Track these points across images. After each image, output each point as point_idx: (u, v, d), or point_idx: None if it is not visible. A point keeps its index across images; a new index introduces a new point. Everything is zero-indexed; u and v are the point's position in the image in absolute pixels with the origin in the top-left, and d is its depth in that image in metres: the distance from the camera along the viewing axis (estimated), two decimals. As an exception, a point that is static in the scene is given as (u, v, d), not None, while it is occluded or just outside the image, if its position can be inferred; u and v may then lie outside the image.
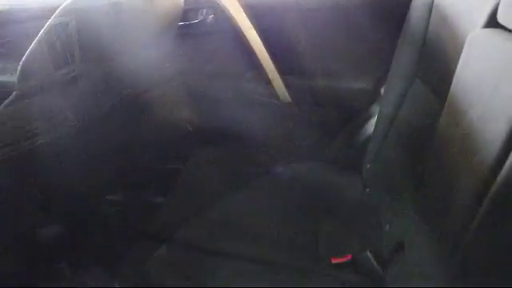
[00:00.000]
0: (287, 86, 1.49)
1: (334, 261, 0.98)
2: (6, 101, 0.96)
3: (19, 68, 0.92)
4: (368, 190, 1.25)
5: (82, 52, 0.99)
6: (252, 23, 1.43)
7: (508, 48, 0.57)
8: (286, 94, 1.49)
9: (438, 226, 0.68)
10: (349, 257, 0.98)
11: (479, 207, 0.54)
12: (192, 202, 1.22)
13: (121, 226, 1.36)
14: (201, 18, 1.54)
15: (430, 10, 1.06)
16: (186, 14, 1.49)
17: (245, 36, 1.45)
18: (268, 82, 1.49)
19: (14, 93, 0.94)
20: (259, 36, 1.44)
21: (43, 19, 0.94)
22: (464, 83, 0.69)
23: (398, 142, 1.11)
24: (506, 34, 0.61)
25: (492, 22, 0.67)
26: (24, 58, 0.91)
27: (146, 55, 1.27)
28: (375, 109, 1.42)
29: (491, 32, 0.65)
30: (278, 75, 1.47)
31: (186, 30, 1.54)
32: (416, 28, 1.10)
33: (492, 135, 0.55)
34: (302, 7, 1.42)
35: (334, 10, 1.39)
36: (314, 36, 1.44)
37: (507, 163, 0.50)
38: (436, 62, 0.97)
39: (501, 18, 0.64)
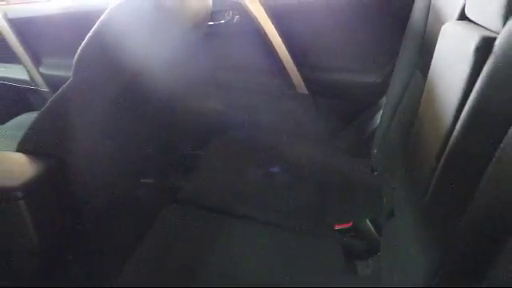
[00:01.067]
0: (304, 79, 1.64)
1: (337, 227, 1.13)
2: (63, 87, 1.16)
3: (74, 60, 1.11)
4: (376, 173, 1.39)
5: (125, 48, 1.17)
6: (272, 23, 1.60)
7: (469, 37, 0.71)
8: (303, 85, 1.65)
9: (415, 187, 0.83)
10: (350, 223, 1.12)
11: (438, 164, 0.69)
12: (213, 178, 1.38)
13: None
14: (227, 18, 1.72)
15: (428, 11, 1.19)
16: (213, 15, 1.66)
17: (266, 34, 1.62)
18: (286, 75, 1.65)
19: (69, 81, 1.14)
20: (278, 34, 1.61)
21: (90, 20, 1.13)
22: (436, 68, 0.84)
23: (399, 130, 1.25)
24: (471, 25, 0.75)
25: (463, 16, 0.81)
26: (79, 51, 1.10)
27: (180, 51, 1.45)
28: (384, 101, 1.56)
29: (459, 24, 0.79)
30: (295, 69, 1.63)
31: (214, 29, 1.72)
32: (416, 27, 1.24)
33: (447, 106, 0.70)
34: (317, 7, 1.58)
35: (346, 10, 1.53)
36: (329, 34, 1.59)
37: (456, 130, 0.65)
38: (431, 55, 1.11)
39: (468, 12, 0.78)
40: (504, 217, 0.54)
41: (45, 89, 2.01)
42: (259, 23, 1.61)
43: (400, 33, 1.34)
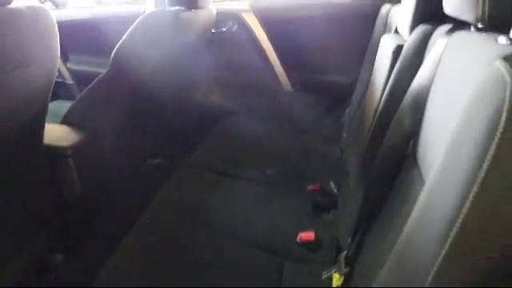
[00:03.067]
0: (290, 78, 2.01)
1: (308, 188, 1.47)
2: (99, 76, 1.50)
3: (112, 55, 1.46)
4: (344, 154, 1.73)
5: (151, 48, 1.52)
6: (264, 32, 1.96)
7: (391, 44, 1.06)
8: (289, 84, 2.01)
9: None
10: (318, 186, 1.47)
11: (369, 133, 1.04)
12: (216, 150, 1.72)
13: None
14: (228, 27, 2.08)
15: (385, 29, 1.55)
16: (217, 23, 2.02)
17: (259, 41, 1.98)
18: (275, 75, 2.01)
19: (106, 71, 1.48)
20: (269, 41, 1.97)
21: (111, 25, 1.47)
22: (375, 69, 1.20)
23: (360, 119, 1.59)
24: (397, 36, 1.11)
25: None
26: (115, 49, 1.44)
27: (190, 53, 1.80)
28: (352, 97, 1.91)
29: (390, 36, 1.14)
30: (282, 71, 1.99)
31: (217, 35, 2.07)
32: (378, 34, 1.59)
33: (376, 91, 1.05)
34: (302, 20, 1.94)
35: (325, 25, 1.90)
36: (311, 42, 1.96)
37: (380, 107, 1.00)
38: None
39: (398, 27, 1.14)
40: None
41: (70, 81, 2.36)
42: (254, 32, 1.97)
43: (366, 44, 1.70)
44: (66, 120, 1.49)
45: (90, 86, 1.50)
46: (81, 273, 1.51)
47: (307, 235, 1.21)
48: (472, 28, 0.72)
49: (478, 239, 0.46)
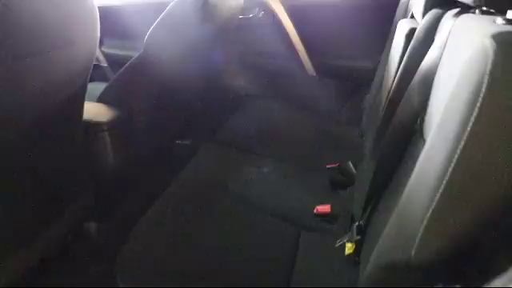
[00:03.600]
0: (313, 63, 2.07)
1: (328, 166, 1.54)
2: (133, 59, 1.61)
3: (145, 39, 1.56)
4: (363, 137, 1.80)
5: (182, 33, 1.61)
6: (289, 18, 2.03)
7: (405, 28, 1.11)
8: (312, 69, 2.08)
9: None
10: (337, 164, 1.54)
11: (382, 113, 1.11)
12: (240, 130, 1.81)
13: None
14: (254, 13, 2.15)
15: (405, 14, 1.59)
16: (244, 10, 2.10)
17: (284, 27, 2.05)
18: (299, 60, 2.08)
19: (140, 53, 1.58)
20: (294, 27, 2.04)
21: (143, 11, 1.56)
22: (391, 52, 1.26)
23: (377, 101, 1.65)
24: (411, 21, 1.16)
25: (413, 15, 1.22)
26: (149, 32, 1.54)
27: (218, 37, 1.89)
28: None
29: (406, 20, 1.20)
30: (306, 56, 2.06)
31: (244, 21, 2.15)
32: (398, 21, 1.63)
33: (390, 73, 1.11)
34: (325, 7, 2.00)
35: (348, 11, 1.95)
36: (334, 28, 2.01)
37: (393, 88, 1.07)
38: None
39: (413, 12, 1.19)
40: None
41: (104, 64, 2.49)
42: (279, 18, 2.04)
43: (387, 31, 1.74)
44: (102, 99, 1.61)
45: (124, 67, 1.61)
46: (112, 240, 1.65)
47: (323, 208, 1.29)
48: (477, 11, 0.78)
49: (465, 191, 0.54)
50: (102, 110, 1.54)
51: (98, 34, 1.24)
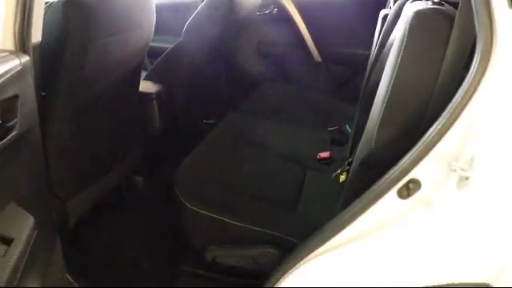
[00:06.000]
0: (319, 51, 2.48)
1: (329, 129, 1.94)
2: (173, 44, 2.02)
3: (184, 29, 1.97)
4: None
5: (212, 24, 2.03)
6: (299, 14, 2.44)
7: (381, 14, 1.50)
8: (318, 56, 2.48)
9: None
10: (337, 127, 1.93)
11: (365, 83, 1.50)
12: (258, 102, 2.21)
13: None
14: (269, 9, 2.57)
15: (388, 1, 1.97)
16: (261, 7, 2.52)
17: (294, 21, 2.46)
18: (307, 48, 2.49)
19: (180, 39, 2.00)
20: (303, 21, 2.45)
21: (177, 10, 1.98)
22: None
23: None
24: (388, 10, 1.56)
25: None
26: (187, 24, 1.96)
27: (239, 30, 2.30)
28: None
29: (386, 10, 1.59)
30: (313, 44, 2.47)
31: (260, 17, 2.57)
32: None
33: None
34: (330, 4, 2.41)
35: (348, 6, 2.35)
36: (337, 21, 2.41)
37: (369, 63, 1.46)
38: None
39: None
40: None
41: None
42: (290, 13, 2.45)
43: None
44: (149, 77, 2.03)
45: (166, 51, 2.03)
46: (155, 194, 2.04)
47: (325, 154, 1.69)
48: (424, -2, 1.17)
49: (397, 101, 0.94)
50: (149, 85, 1.95)
51: (154, 21, 1.65)
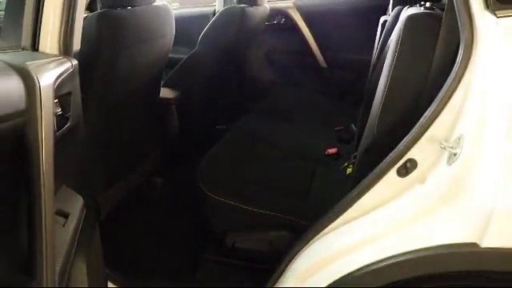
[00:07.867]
0: (324, 57, 2.63)
1: (335, 128, 2.08)
2: (189, 54, 2.18)
3: (199, 38, 2.13)
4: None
5: (225, 35, 2.19)
6: (305, 23, 2.61)
7: (380, 20, 1.65)
8: (323, 61, 2.64)
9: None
10: (342, 126, 2.07)
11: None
12: (271, 104, 2.36)
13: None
14: (277, 20, 2.74)
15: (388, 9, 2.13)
16: (269, 17, 2.68)
17: (300, 30, 2.62)
18: (313, 54, 2.64)
19: (196, 49, 2.16)
20: (309, 30, 2.61)
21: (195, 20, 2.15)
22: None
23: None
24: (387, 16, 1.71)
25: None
26: (201, 35, 2.12)
27: (250, 39, 2.46)
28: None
29: (385, 17, 1.74)
30: (319, 51, 2.62)
31: (269, 27, 2.73)
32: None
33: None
34: (333, 13, 2.57)
35: (351, 15, 2.51)
36: (341, 29, 2.57)
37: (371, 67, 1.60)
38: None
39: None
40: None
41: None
42: (297, 23, 2.62)
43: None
44: (167, 84, 2.19)
45: (182, 60, 2.19)
46: (175, 193, 2.17)
47: (332, 150, 1.83)
48: (417, 5, 1.31)
49: (394, 94, 1.08)
50: (168, 91, 2.11)
51: (174, 31, 1.81)
